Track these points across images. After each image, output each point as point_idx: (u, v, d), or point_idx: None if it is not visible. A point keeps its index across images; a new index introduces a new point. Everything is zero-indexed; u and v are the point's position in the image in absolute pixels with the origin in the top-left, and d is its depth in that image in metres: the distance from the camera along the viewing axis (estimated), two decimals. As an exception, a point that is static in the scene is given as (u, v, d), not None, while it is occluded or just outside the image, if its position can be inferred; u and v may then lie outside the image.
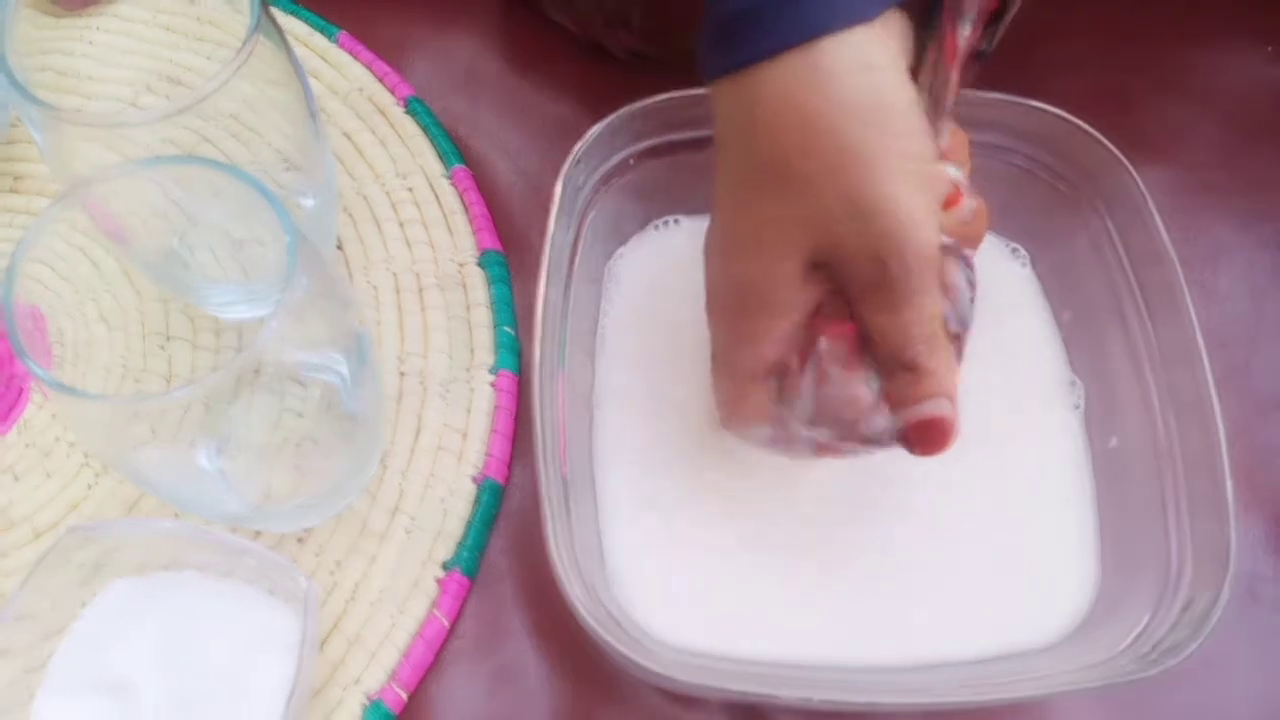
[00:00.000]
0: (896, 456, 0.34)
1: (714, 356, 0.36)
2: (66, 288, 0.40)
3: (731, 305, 0.35)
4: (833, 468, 0.39)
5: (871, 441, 0.34)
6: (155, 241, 0.39)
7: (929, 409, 0.32)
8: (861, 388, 0.33)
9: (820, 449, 0.35)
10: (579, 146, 0.39)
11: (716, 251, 0.35)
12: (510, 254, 0.46)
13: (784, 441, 0.36)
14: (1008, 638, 0.37)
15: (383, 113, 0.49)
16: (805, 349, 0.34)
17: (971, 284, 0.33)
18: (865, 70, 0.30)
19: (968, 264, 0.32)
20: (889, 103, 0.30)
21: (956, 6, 0.31)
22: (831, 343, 0.33)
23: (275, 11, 0.36)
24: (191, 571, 0.37)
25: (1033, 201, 0.42)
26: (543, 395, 0.36)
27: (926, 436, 0.32)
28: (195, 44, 0.44)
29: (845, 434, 0.34)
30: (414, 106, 0.49)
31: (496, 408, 0.42)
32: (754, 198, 0.32)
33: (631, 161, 0.42)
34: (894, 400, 0.32)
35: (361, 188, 0.47)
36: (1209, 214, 0.47)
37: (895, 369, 0.32)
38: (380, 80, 0.50)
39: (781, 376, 0.34)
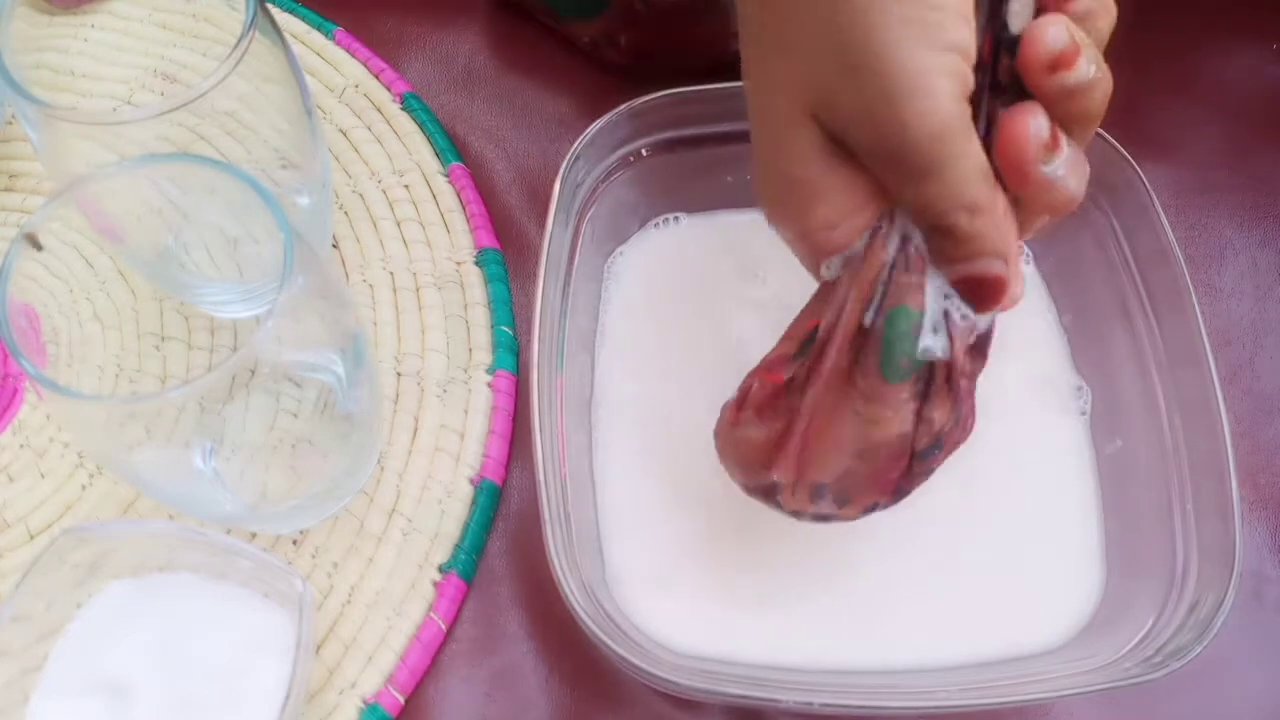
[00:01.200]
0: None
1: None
2: (61, 286, 0.39)
3: (771, 199, 0.31)
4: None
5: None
6: (150, 240, 0.39)
7: (977, 267, 0.28)
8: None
9: None
10: (578, 144, 0.39)
11: (752, 135, 0.31)
12: (508, 253, 0.46)
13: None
14: (1012, 641, 0.36)
15: (379, 110, 0.48)
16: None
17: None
18: None
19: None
20: None
21: None
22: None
23: (272, 8, 0.36)
24: (187, 573, 0.37)
25: (1036, 200, 0.42)
26: (541, 396, 0.35)
27: (975, 293, 0.29)
28: (191, 41, 0.44)
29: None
30: (411, 104, 0.49)
31: (494, 408, 0.42)
32: (760, 57, 0.29)
33: (631, 159, 0.42)
34: (938, 258, 0.29)
35: (358, 185, 0.47)
36: (1213, 213, 0.47)
37: (931, 233, 0.28)
38: (377, 77, 0.49)
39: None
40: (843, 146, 0.28)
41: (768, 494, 0.33)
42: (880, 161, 0.28)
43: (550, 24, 0.50)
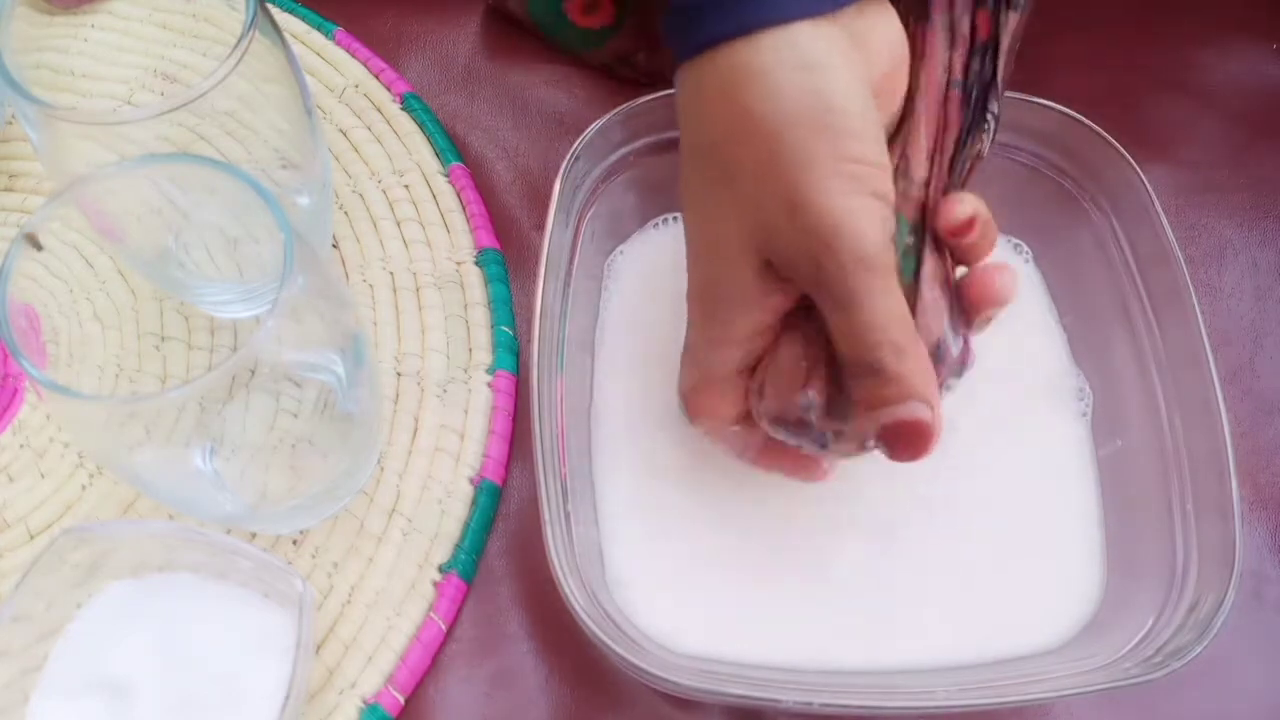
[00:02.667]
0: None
1: (685, 346, 0.36)
2: (61, 286, 0.39)
3: (698, 301, 0.34)
4: (837, 469, 0.38)
5: (828, 445, 0.33)
6: (150, 240, 0.39)
7: (901, 412, 0.30)
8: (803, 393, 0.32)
9: (781, 456, 0.35)
10: (578, 144, 0.39)
11: (687, 244, 0.34)
12: (508, 253, 0.46)
13: (745, 443, 0.36)
14: (1012, 641, 0.36)
15: (379, 110, 0.48)
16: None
17: (963, 355, 0.32)
18: (804, 69, 0.29)
19: (962, 334, 0.32)
20: (827, 102, 0.29)
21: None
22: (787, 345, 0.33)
23: (271, 8, 0.36)
24: (187, 573, 0.37)
25: (1037, 199, 0.42)
26: (541, 396, 0.35)
27: (899, 440, 0.31)
28: (191, 41, 0.44)
29: (800, 433, 0.33)
30: (411, 103, 0.49)
31: (494, 408, 0.42)
32: (705, 191, 0.32)
33: (631, 159, 0.42)
34: (863, 403, 0.31)
35: (358, 186, 0.47)
36: (1212, 212, 0.47)
37: (858, 372, 0.31)
38: (377, 77, 0.49)
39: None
40: (773, 275, 0.32)
41: (799, 424, 0.33)
42: (817, 291, 0.31)
43: (558, 50, 0.50)
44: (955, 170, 0.32)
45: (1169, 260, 0.37)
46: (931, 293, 0.32)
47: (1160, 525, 0.36)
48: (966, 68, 0.32)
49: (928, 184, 0.32)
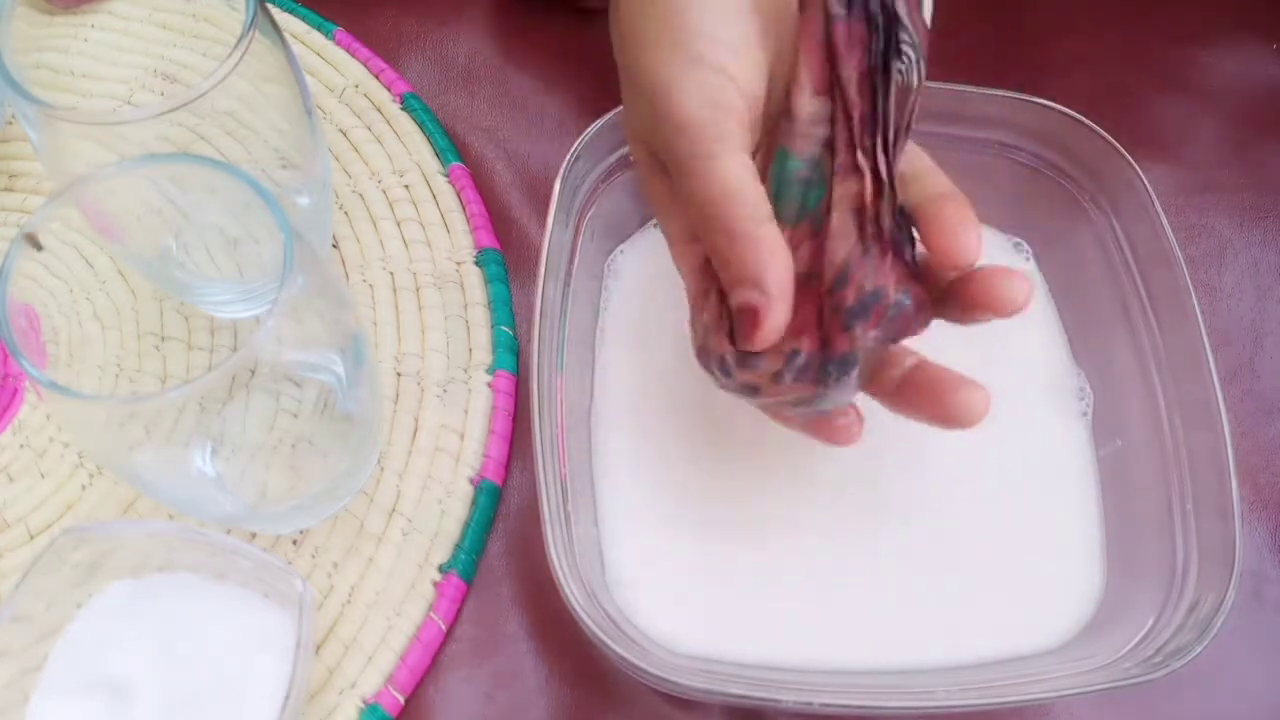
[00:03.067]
0: (898, 457, 0.34)
1: None
2: (61, 286, 0.39)
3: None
4: (837, 469, 0.38)
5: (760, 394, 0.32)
6: (150, 240, 0.39)
7: (737, 296, 0.29)
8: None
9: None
10: (578, 144, 0.39)
11: None
12: (508, 253, 0.46)
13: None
14: (1012, 641, 0.36)
15: (379, 110, 0.48)
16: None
17: (907, 315, 0.30)
18: None
19: (902, 270, 0.30)
20: None
21: None
22: None
23: (271, 8, 0.36)
24: (187, 573, 0.37)
25: (1037, 199, 0.42)
26: (541, 395, 0.35)
27: (738, 327, 0.30)
28: (191, 41, 0.44)
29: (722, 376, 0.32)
30: (411, 103, 0.49)
31: (494, 408, 0.42)
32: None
33: (631, 159, 0.41)
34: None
35: (358, 185, 0.47)
36: (1213, 212, 0.47)
37: (711, 259, 0.31)
38: (377, 77, 0.49)
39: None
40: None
41: (720, 365, 0.32)
42: (664, 164, 0.31)
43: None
44: (877, 104, 0.29)
45: (1169, 260, 0.37)
46: (840, 217, 0.30)
47: (1160, 525, 0.36)
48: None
49: (832, 120, 0.30)
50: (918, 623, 0.37)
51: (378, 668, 0.38)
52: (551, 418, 0.36)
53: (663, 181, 0.33)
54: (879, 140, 0.29)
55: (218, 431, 0.35)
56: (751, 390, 0.32)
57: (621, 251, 0.43)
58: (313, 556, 0.39)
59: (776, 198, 0.30)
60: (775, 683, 0.34)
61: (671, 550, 0.38)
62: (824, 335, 0.30)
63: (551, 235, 0.37)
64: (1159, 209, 0.38)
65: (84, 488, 0.41)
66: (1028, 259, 0.43)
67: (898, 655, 0.36)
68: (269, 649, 0.35)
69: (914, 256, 0.30)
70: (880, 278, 0.29)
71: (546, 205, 0.38)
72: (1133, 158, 0.39)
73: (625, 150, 0.41)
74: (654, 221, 0.44)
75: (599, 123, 0.39)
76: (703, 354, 0.33)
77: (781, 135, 0.30)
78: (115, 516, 0.40)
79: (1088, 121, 0.39)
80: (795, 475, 0.39)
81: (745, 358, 0.31)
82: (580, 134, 0.39)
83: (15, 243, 0.30)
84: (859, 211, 0.29)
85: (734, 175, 0.30)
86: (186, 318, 0.43)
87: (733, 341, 0.31)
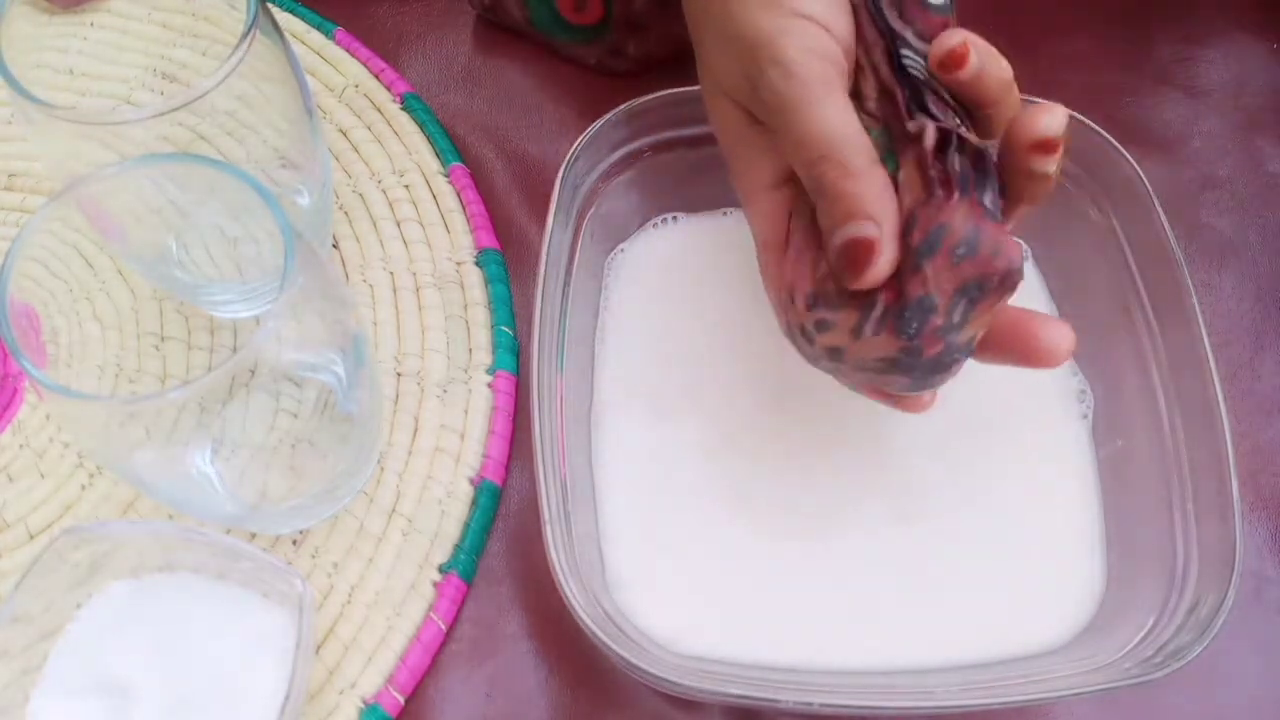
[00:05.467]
0: (898, 457, 0.34)
1: None
2: (60, 286, 0.39)
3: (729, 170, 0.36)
4: (837, 469, 0.38)
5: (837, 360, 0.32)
6: (150, 239, 0.39)
7: (848, 231, 0.30)
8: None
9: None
10: (577, 144, 0.39)
11: None
12: (508, 253, 0.46)
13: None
14: (1012, 641, 0.36)
15: (379, 110, 0.48)
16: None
17: (977, 229, 0.29)
18: None
19: (969, 208, 0.29)
20: None
21: None
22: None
23: (272, 8, 0.36)
24: (187, 573, 0.37)
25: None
26: (541, 396, 0.35)
27: (845, 263, 0.30)
28: (191, 41, 0.44)
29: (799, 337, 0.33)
30: (411, 103, 0.49)
31: (494, 409, 0.42)
32: (698, 58, 0.35)
33: (631, 159, 0.42)
34: (825, 232, 0.31)
35: (358, 185, 0.47)
36: (1212, 211, 0.47)
37: (816, 200, 0.31)
38: (377, 77, 0.49)
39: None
40: (759, 125, 0.33)
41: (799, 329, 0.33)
42: (764, 115, 0.32)
43: (553, 49, 0.50)
44: (908, 84, 0.31)
45: (1169, 260, 0.37)
46: (907, 172, 0.30)
47: (1160, 525, 0.36)
48: None
49: (879, 93, 0.32)
50: (918, 623, 0.37)
51: (377, 668, 0.38)
52: (551, 418, 0.36)
53: (749, 131, 0.34)
54: (926, 107, 0.30)
55: (218, 431, 0.35)
56: (835, 354, 0.33)
57: (621, 251, 0.43)
58: (313, 556, 0.39)
59: None
60: (775, 683, 0.34)
61: (671, 550, 0.38)
62: (899, 284, 0.30)
63: (551, 235, 0.37)
64: (1159, 209, 0.38)
65: (84, 488, 0.41)
66: (1027, 259, 0.43)
67: (897, 655, 0.36)
68: (269, 649, 0.35)
69: (995, 201, 0.30)
70: (944, 215, 0.29)
71: (546, 205, 0.38)
72: (1133, 158, 0.39)
73: (625, 150, 0.41)
74: (654, 222, 0.44)
75: (599, 123, 0.39)
76: (788, 323, 0.34)
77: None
78: (115, 516, 0.40)
79: (1088, 121, 0.39)
80: (796, 475, 0.39)
81: (823, 319, 0.32)
82: (580, 134, 0.39)
83: (15, 242, 0.30)
84: (920, 163, 0.30)
85: (844, 117, 0.31)
86: (186, 318, 0.43)
87: (828, 287, 0.32)
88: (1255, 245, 0.46)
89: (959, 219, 0.29)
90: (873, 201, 0.30)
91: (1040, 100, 0.31)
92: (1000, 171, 0.30)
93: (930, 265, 0.29)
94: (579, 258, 0.40)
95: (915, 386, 0.33)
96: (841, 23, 0.32)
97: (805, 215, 0.33)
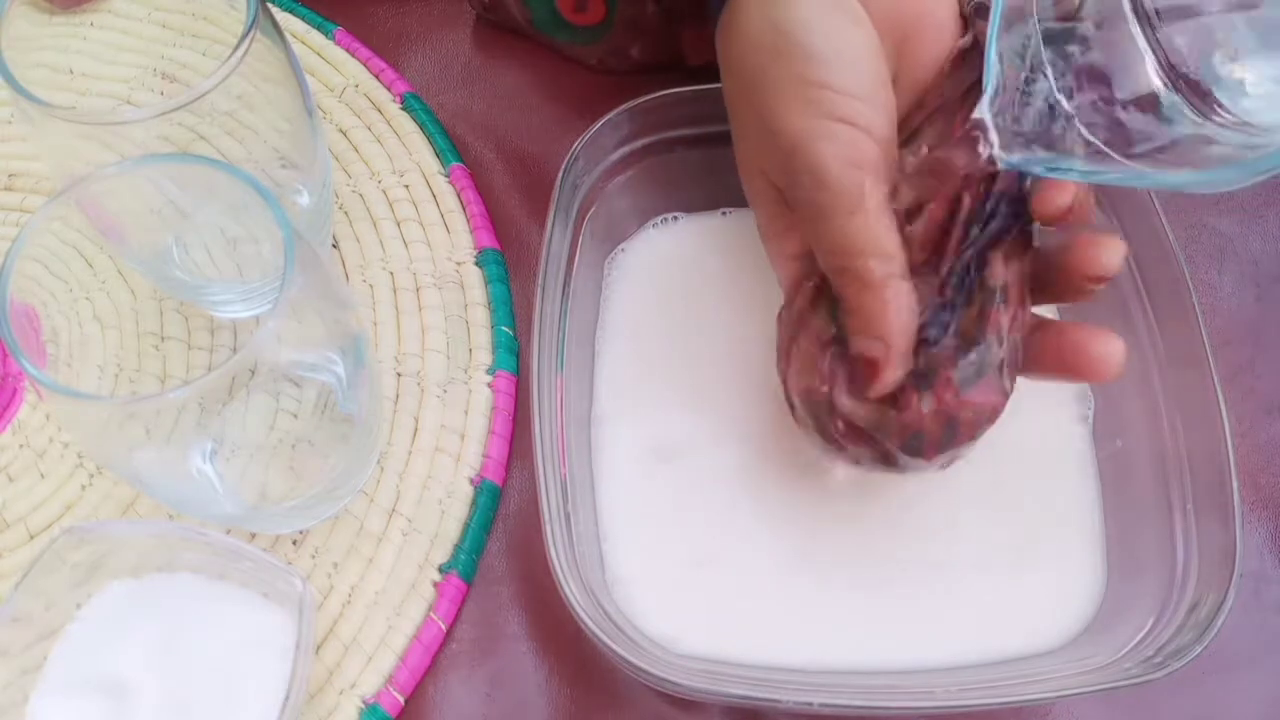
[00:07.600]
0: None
1: None
2: (60, 286, 0.39)
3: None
4: (837, 469, 0.38)
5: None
6: (150, 239, 0.39)
7: (858, 343, 0.31)
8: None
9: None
10: (577, 144, 0.39)
11: None
12: (508, 253, 0.46)
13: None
14: (1012, 641, 0.36)
15: (379, 110, 0.48)
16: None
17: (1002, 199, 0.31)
18: (767, 3, 0.32)
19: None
20: (783, 29, 0.31)
21: None
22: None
23: (272, 8, 0.36)
24: (187, 573, 0.37)
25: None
26: (541, 396, 0.35)
27: (859, 364, 0.31)
28: (191, 40, 0.44)
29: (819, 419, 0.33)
30: (411, 103, 0.49)
31: (494, 409, 0.42)
32: (732, 127, 0.35)
33: (631, 159, 0.41)
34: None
35: (358, 185, 0.47)
36: (1212, 212, 0.47)
37: (838, 298, 0.32)
38: (377, 77, 0.49)
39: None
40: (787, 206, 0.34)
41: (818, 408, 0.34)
42: (794, 206, 0.33)
43: (553, 49, 0.50)
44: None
45: (1169, 260, 0.37)
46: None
47: (1160, 525, 0.36)
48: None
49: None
50: (918, 623, 0.37)
51: (377, 668, 0.38)
52: (551, 418, 0.36)
53: (776, 208, 0.34)
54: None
55: (218, 432, 0.35)
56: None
57: (622, 251, 0.43)
58: (313, 556, 0.39)
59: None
60: (775, 683, 0.34)
61: (672, 550, 0.38)
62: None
63: (551, 235, 0.37)
64: (1159, 209, 0.38)
65: (84, 488, 0.41)
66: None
67: (898, 655, 0.36)
68: (269, 649, 0.35)
69: (1021, 189, 0.31)
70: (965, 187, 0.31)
71: (546, 205, 0.38)
72: (1132, 157, 0.39)
73: (625, 150, 0.41)
74: (654, 222, 0.44)
75: (599, 123, 0.39)
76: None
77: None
78: (115, 516, 0.40)
79: (1088, 121, 0.39)
80: (795, 475, 0.39)
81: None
82: (580, 134, 0.39)
83: (15, 242, 0.30)
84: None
85: (871, 231, 0.30)
86: (186, 318, 0.43)
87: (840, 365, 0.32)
88: (1255, 245, 0.46)
89: (975, 186, 0.31)
90: (888, 321, 0.30)
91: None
92: (1043, 262, 0.32)
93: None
94: (579, 258, 0.40)
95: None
96: (881, 122, 0.31)
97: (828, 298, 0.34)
